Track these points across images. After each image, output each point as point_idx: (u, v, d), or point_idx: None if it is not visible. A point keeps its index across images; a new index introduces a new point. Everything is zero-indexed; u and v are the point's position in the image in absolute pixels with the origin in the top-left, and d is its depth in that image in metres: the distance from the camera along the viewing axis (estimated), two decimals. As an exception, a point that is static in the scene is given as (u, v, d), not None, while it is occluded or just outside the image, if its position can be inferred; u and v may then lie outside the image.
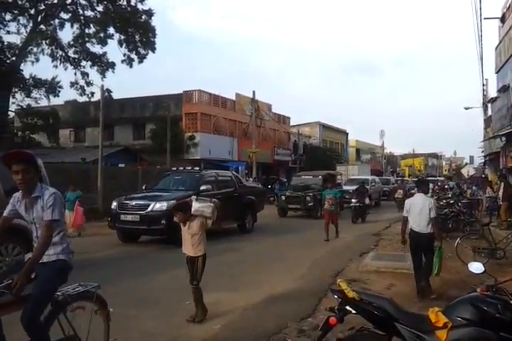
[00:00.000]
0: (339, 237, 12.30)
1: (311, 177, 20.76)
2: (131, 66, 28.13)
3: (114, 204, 11.33)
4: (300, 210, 18.70)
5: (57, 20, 27.24)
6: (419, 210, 6.49)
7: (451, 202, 14.25)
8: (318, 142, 47.62)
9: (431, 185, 19.93)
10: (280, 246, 11.04)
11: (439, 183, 29.84)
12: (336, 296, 3.43)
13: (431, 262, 6.53)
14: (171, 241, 9.60)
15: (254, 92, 30.96)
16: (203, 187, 11.32)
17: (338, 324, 3.31)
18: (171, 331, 5.01)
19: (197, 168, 12.94)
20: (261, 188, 16.75)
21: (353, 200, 16.95)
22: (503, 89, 18.20)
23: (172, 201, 9.78)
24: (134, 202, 11.05)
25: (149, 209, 10.60)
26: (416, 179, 17.29)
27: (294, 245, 11.19)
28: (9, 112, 27.86)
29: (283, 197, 18.81)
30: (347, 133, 56.52)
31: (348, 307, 3.30)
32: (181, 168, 13.06)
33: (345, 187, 21.95)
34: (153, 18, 27.97)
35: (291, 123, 44.90)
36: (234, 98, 34.64)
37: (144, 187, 12.94)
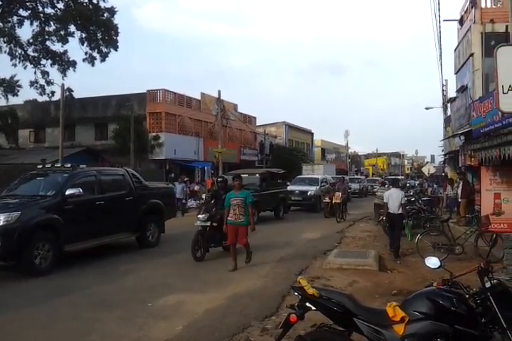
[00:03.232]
0: (251, 262, 8.55)
1: (246, 175, 16.87)
2: (93, 65, 27.47)
3: None
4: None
5: (15, 18, 26.35)
6: (395, 198, 9.74)
7: (412, 199, 14.61)
8: (284, 142, 47.92)
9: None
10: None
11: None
12: (296, 293, 3.43)
13: (400, 232, 10.03)
14: (14, 267, 7.65)
15: (219, 92, 30.83)
16: (70, 191, 8.37)
17: (298, 321, 3.31)
18: (133, 332, 4.95)
19: (68, 165, 9.56)
20: (170, 189, 13.41)
21: (325, 198, 17.30)
22: (461, 90, 18.77)
23: (14, 213, 7.47)
24: None
25: None
26: (391, 178, 17.82)
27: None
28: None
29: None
30: (312, 133, 57.12)
31: (307, 304, 3.31)
32: (48, 166, 10.08)
33: (292, 187, 20.75)
34: (115, 15, 27.45)
35: (258, 123, 45.05)
36: (199, 97, 34.42)
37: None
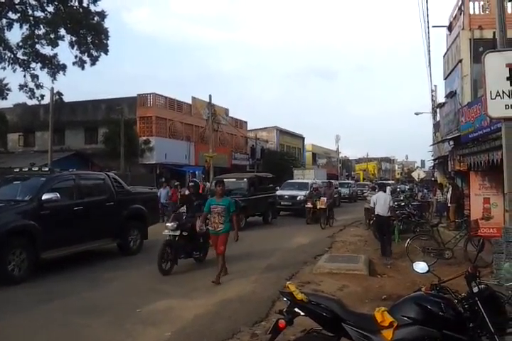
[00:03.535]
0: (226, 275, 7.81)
1: (234, 180, 17.32)
2: (83, 68, 27.30)
3: None
4: None
5: (4, 20, 26.12)
6: (383, 202, 10.20)
7: (403, 204, 14.69)
8: (275, 146, 48.01)
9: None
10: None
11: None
12: (285, 298, 3.41)
13: (389, 234, 10.52)
14: None
15: (210, 96, 30.84)
16: (46, 196, 8.00)
17: (287, 326, 3.30)
18: (121, 338, 4.91)
19: (46, 169, 9.34)
20: (154, 194, 12.94)
21: (308, 204, 16.67)
22: (450, 95, 18.96)
23: None
24: None
25: None
26: (379, 182, 17.39)
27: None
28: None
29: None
30: (303, 138, 57.32)
31: (296, 309, 3.29)
32: (25, 169, 9.49)
33: (281, 192, 20.62)
34: (106, 19, 27.36)
35: (249, 128, 45.13)
36: (190, 102, 34.39)
37: None
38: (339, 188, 30.94)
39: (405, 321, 3.11)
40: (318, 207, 16.25)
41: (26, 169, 9.46)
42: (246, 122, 44.17)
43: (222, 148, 36.92)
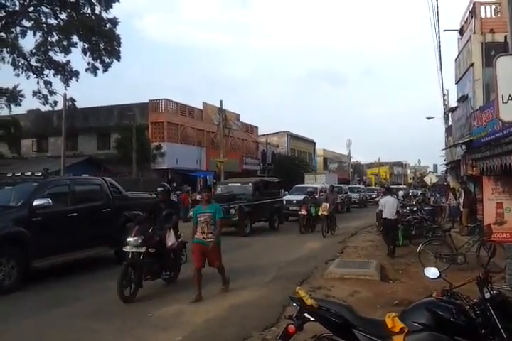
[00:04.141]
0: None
1: (238, 184, 17.00)
2: (95, 75, 27.67)
3: None
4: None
5: (18, 28, 26.60)
6: (391, 205, 10.66)
7: (415, 209, 14.56)
8: (286, 151, 47.99)
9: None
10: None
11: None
12: (295, 304, 3.41)
13: (395, 235, 11.11)
14: None
15: (221, 102, 31.04)
16: (37, 202, 7.67)
17: (297, 332, 3.29)
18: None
19: (39, 174, 8.82)
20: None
21: (301, 211, 15.61)
22: (462, 99, 18.81)
23: None
24: None
25: None
26: (386, 187, 16.80)
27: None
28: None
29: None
30: (314, 143, 57.19)
31: (306, 315, 3.28)
32: (18, 174, 9.18)
33: (289, 197, 20.44)
34: (117, 26, 27.73)
35: (259, 133, 45.18)
36: (201, 107, 34.58)
37: None
38: (349, 193, 30.78)
39: (416, 327, 3.09)
40: (319, 213, 15.18)
41: (19, 174, 9.11)
42: (257, 127, 44.27)
43: (233, 153, 37.02)
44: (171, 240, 7.03)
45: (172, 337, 5.06)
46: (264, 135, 45.81)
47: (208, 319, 5.66)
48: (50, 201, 7.80)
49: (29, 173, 8.96)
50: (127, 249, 6.78)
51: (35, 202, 7.68)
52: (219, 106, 31.50)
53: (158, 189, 7.81)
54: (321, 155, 58.62)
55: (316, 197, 18.67)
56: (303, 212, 15.60)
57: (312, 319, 3.28)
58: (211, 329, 5.31)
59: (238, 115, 39.18)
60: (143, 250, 6.71)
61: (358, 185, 43.63)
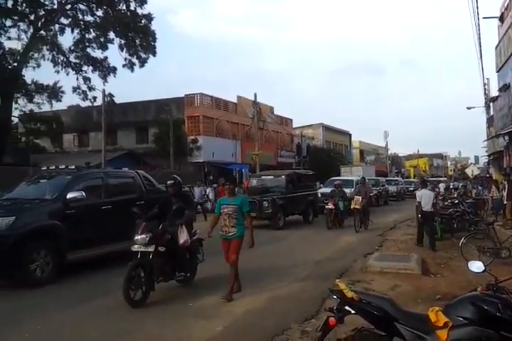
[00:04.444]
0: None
1: (271, 177, 16.90)
2: (132, 70, 28.20)
3: None
4: (256, 219, 14.24)
5: (57, 26, 27.35)
6: (427, 198, 10.83)
7: (456, 202, 14.19)
8: (321, 143, 47.61)
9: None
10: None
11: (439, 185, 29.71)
12: (335, 296, 3.41)
13: (433, 228, 11.06)
14: (7, 276, 7.20)
15: (255, 95, 31.02)
16: (71, 195, 7.69)
17: (337, 324, 3.30)
18: (174, 332, 5.03)
19: (72, 167, 8.80)
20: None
21: (328, 205, 14.84)
22: (503, 88, 18.14)
23: (7, 218, 6.99)
24: None
25: None
26: (422, 179, 16.12)
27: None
28: (12, 118, 28.00)
29: None
30: (350, 135, 56.46)
31: (347, 308, 3.29)
32: (52, 167, 9.13)
33: (324, 190, 19.77)
34: (152, 22, 28.10)
35: (294, 125, 45.03)
36: (236, 101, 34.71)
37: None
38: (386, 186, 30.26)
39: (461, 321, 3.04)
40: (351, 207, 14.59)
41: (53, 167, 9.09)
42: (291, 120, 44.12)
43: (268, 145, 37.04)
44: (183, 237, 6.35)
45: (213, 326, 5.16)
46: (298, 127, 45.61)
47: (248, 310, 5.74)
48: (84, 194, 7.82)
49: (63, 166, 8.95)
50: (135, 248, 6.17)
51: (69, 195, 7.70)
52: (253, 99, 31.53)
53: (168, 182, 7.07)
54: (357, 147, 57.81)
55: (352, 190, 18.09)
56: (330, 206, 14.85)
57: (353, 312, 3.28)
58: (251, 320, 5.39)
59: (272, 108, 39.13)
60: (151, 249, 6.08)
61: (395, 178, 42.74)
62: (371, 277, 7.49)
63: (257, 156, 29.76)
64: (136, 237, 6.18)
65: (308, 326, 5.14)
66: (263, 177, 17.65)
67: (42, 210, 7.55)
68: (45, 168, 9.44)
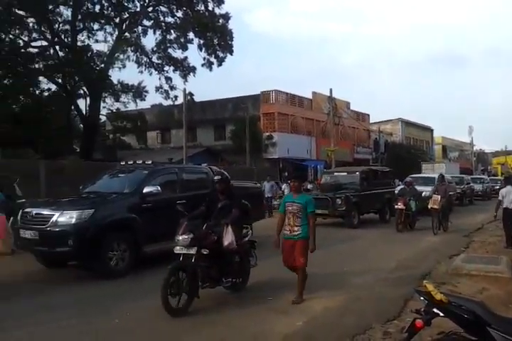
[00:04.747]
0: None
1: (345, 174, 16.39)
2: (210, 69, 29.04)
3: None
4: (329, 217, 14.57)
5: (140, 28, 28.87)
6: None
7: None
8: (400, 139, 46.02)
9: None
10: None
11: None
12: (422, 298, 3.31)
13: None
14: (87, 267, 7.56)
15: (331, 90, 30.61)
16: (147, 189, 7.90)
17: (424, 327, 3.21)
18: (255, 325, 5.13)
19: (149, 162, 9.14)
20: (258, 189, 12.61)
21: (398, 205, 13.53)
22: None
23: (87, 210, 7.15)
24: (34, 212, 7.52)
25: (51, 222, 7.13)
26: (506, 176, 14.76)
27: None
28: (101, 116, 30.00)
29: None
30: (432, 130, 54.02)
31: (435, 310, 3.19)
32: (130, 162, 9.47)
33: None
34: (229, 21, 28.68)
35: (371, 121, 43.94)
36: (311, 97, 34.51)
37: (81, 188, 9.20)
38: (471, 184, 28.54)
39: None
40: (429, 206, 13.26)
41: (131, 162, 9.42)
42: (368, 115, 43.07)
43: (344, 142, 36.46)
44: (227, 239, 5.73)
45: (293, 321, 5.20)
46: (376, 123, 44.45)
47: (328, 307, 5.71)
48: (159, 188, 8.00)
49: (140, 161, 9.29)
50: (177, 249, 5.62)
51: (145, 190, 7.90)
52: (328, 95, 31.16)
53: (216, 177, 6.60)
54: (439, 143, 55.23)
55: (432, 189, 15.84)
56: (400, 206, 13.48)
57: (442, 314, 3.17)
58: (331, 318, 5.36)
59: (349, 103, 38.42)
60: (193, 251, 5.50)
61: (481, 176, 40.19)
62: (457, 279, 7.14)
63: (333, 152, 29.41)
64: (177, 237, 5.64)
65: (391, 327, 5.03)
66: (336, 173, 17.27)
67: (120, 204, 7.82)
68: (123, 163, 9.81)
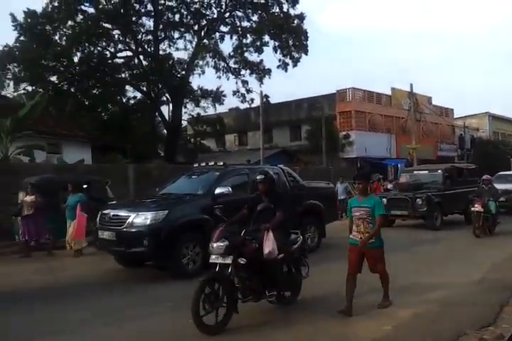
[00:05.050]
0: None
1: (426, 172, 15.56)
2: (286, 70, 29.23)
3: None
4: (409, 218, 14.10)
5: (217, 34, 29.76)
6: None
7: None
8: (487, 135, 43.20)
9: None
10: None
11: None
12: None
13: None
14: (161, 267, 7.77)
15: (411, 85, 29.51)
16: (219, 190, 7.99)
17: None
18: (341, 328, 5.09)
19: (220, 163, 9.22)
20: (331, 189, 12.31)
21: (475, 207, 11.74)
22: None
23: (161, 211, 7.43)
24: (112, 213, 7.89)
25: (127, 223, 7.44)
26: None
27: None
28: (182, 121, 31.32)
29: (384, 201, 11.60)
30: (524, 124, 50.08)
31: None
32: (203, 164, 9.74)
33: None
34: (304, 21, 28.65)
35: (455, 116, 41.67)
36: (389, 93, 33.49)
37: (157, 190, 9.48)
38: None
39: None
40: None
41: (204, 164, 9.68)
42: (452, 109, 40.83)
43: (426, 138, 34.93)
44: (268, 246, 5.04)
45: (380, 325, 5.07)
46: (460, 117, 42.13)
47: (417, 313, 5.48)
48: (230, 189, 8.09)
49: (212, 163, 9.42)
50: (212, 259, 5.00)
51: (217, 191, 8.03)
52: (408, 90, 30.03)
53: (258, 177, 5.85)
54: (533, 138, 51.05)
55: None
56: (477, 208, 11.72)
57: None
58: (421, 323, 5.17)
59: (430, 98, 36.75)
60: (229, 260, 4.88)
61: None
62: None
63: (414, 150, 28.28)
64: (211, 245, 5.03)
65: (486, 333, 4.76)
66: (416, 172, 16.37)
67: (193, 205, 8.02)
68: (197, 165, 10.16)
